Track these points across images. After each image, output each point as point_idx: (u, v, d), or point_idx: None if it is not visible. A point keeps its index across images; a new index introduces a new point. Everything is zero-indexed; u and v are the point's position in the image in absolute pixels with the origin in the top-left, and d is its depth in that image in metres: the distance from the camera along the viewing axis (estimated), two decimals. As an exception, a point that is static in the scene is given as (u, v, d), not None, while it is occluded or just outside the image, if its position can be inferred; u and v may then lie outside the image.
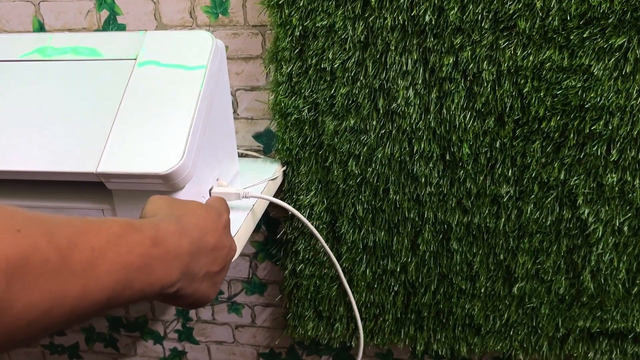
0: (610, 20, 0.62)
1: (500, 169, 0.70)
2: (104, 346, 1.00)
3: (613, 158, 0.67)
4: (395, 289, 0.80)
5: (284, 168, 0.76)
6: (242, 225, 0.62)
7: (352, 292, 0.81)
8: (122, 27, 0.76)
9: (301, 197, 0.77)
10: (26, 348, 1.04)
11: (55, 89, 0.60)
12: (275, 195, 0.71)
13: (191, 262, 0.42)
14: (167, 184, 0.54)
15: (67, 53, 0.63)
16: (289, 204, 0.77)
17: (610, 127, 0.66)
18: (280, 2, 0.67)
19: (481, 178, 0.71)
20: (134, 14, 0.75)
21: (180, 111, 0.56)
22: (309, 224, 0.69)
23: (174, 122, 0.55)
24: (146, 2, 0.74)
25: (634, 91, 0.64)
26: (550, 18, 0.63)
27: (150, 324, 0.96)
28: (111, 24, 0.76)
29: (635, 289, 0.74)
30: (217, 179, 0.65)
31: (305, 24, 0.68)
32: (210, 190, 0.63)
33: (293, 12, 0.67)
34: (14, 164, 0.55)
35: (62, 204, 0.58)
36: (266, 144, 0.80)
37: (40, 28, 0.78)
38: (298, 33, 0.68)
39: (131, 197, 0.56)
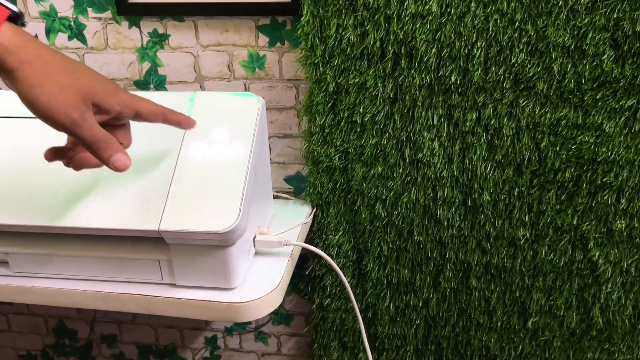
0: (621, 84, 0.67)
1: (517, 215, 0.75)
2: (133, 372, 1.04)
3: (622, 206, 0.73)
4: (417, 322, 0.85)
5: (314, 210, 0.81)
6: (284, 272, 0.67)
7: (377, 325, 0.85)
8: (162, 79, 0.80)
9: (330, 236, 0.82)
10: (56, 373, 1.08)
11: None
12: (305, 234, 0.76)
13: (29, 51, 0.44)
14: (222, 239, 0.58)
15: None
16: (317, 242, 0.82)
17: (620, 179, 0.71)
18: (316, 61, 0.72)
19: (500, 222, 0.76)
20: (174, 66, 0.79)
21: (233, 171, 0.61)
22: (338, 269, 0.74)
23: (228, 182, 0.60)
24: (186, 55, 0.78)
25: (642, 147, 0.70)
26: (566, 80, 0.68)
27: (179, 351, 1.00)
28: (152, 75, 0.80)
29: (641, 324, 0.79)
30: (259, 226, 0.69)
31: (338, 81, 0.73)
32: (254, 238, 0.67)
33: (328, 70, 0.72)
34: (85, 221, 0.59)
35: (123, 254, 0.62)
36: (296, 187, 0.85)
37: (84, 77, 0.82)
38: (332, 89, 0.73)
39: (187, 250, 0.60)
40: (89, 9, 0.78)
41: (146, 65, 0.80)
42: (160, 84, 0.81)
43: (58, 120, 0.46)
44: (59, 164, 0.54)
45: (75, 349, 1.04)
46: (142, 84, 0.81)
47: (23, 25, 0.48)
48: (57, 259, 0.64)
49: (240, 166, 0.61)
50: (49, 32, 0.80)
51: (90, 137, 0.47)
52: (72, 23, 0.79)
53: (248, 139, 0.63)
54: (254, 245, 0.67)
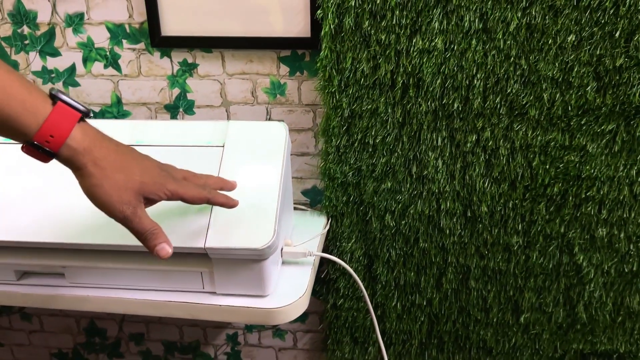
0: (602, 111, 0.76)
1: (511, 224, 0.84)
2: (158, 367, 1.12)
3: (603, 216, 0.82)
4: (421, 319, 0.94)
5: (330, 220, 0.89)
6: (309, 280, 0.75)
7: (385, 322, 0.94)
8: (191, 103, 0.88)
9: (343, 244, 0.90)
10: (85, 368, 1.16)
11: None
12: (323, 243, 0.84)
13: (95, 148, 0.51)
14: (260, 254, 0.66)
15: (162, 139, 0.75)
16: (332, 249, 0.90)
17: (601, 193, 0.80)
18: (333, 90, 0.80)
19: (496, 230, 0.85)
20: (202, 92, 0.87)
21: (267, 193, 0.68)
22: (354, 274, 0.82)
23: (263, 202, 0.68)
24: (213, 82, 0.86)
25: (620, 165, 0.79)
26: (555, 108, 0.77)
27: (202, 347, 1.08)
28: (181, 99, 0.88)
29: (620, 319, 0.89)
30: (285, 238, 0.77)
31: (353, 107, 0.81)
32: (282, 250, 0.75)
33: (343, 98, 0.80)
34: (134, 239, 0.67)
35: (169, 267, 0.70)
36: (312, 199, 0.93)
37: (118, 102, 0.89)
38: (347, 114, 0.81)
39: (227, 263, 0.68)
40: (124, 41, 0.85)
41: (176, 91, 0.87)
42: (189, 108, 0.88)
43: (113, 214, 0.54)
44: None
45: (104, 347, 1.12)
46: (172, 108, 0.88)
47: (90, 117, 0.54)
48: (110, 272, 0.71)
49: (273, 188, 0.69)
50: (85, 60, 0.87)
51: (139, 229, 0.55)
52: (107, 53, 0.86)
53: (278, 163, 0.71)
54: (282, 256, 0.75)
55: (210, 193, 0.61)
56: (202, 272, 0.70)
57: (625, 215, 0.81)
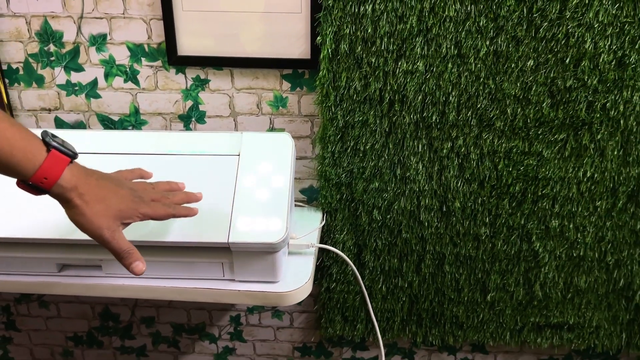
0: (555, 123, 0.90)
1: (480, 217, 0.98)
2: (167, 346, 1.23)
3: (556, 210, 0.96)
4: (403, 299, 1.07)
5: (325, 215, 1.01)
6: (312, 267, 0.87)
7: (372, 302, 1.07)
8: (202, 113, 0.98)
9: (336, 235, 1.02)
10: (98, 349, 1.25)
11: (183, 178, 0.81)
12: (320, 234, 0.96)
13: (83, 184, 0.62)
14: (273, 247, 0.78)
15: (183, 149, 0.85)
16: (327, 240, 1.02)
17: (554, 191, 0.94)
18: (329, 105, 0.91)
19: (467, 223, 0.98)
20: (213, 104, 0.97)
21: (279, 194, 0.80)
22: (351, 263, 0.95)
23: (275, 203, 0.79)
24: (223, 96, 0.96)
25: (570, 168, 0.93)
26: (517, 120, 0.90)
27: (208, 328, 1.19)
28: (194, 110, 0.98)
29: (569, 295, 1.03)
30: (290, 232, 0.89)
31: (346, 119, 0.92)
32: (288, 243, 0.87)
33: (338, 111, 0.92)
34: (171, 237, 0.77)
35: (194, 259, 0.80)
36: (309, 197, 1.04)
37: (136, 112, 0.99)
38: (341, 125, 0.93)
39: (245, 254, 0.79)
40: (143, 59, 0.94)
41: (189, 103, 0.97)
42: (201, 118, 0.98)
43: (95, 237, 0.65)
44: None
45: (117, 330, 1.22)
46: (185, 117, 0.98)
47: (76, 158, 0.64)
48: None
49: (284, 190, 0.80)
50: (107, 75, 0.96)
51: (116, 250, 0.66)
52: (127, 69, 0.95)
53: (287, 169, 0.82)
54: (288, 248, 0.87)
55: (174, 209, 0.71)
56: (223, 263, 0.81)
57: (573, 209, 0.96)
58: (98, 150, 0.86)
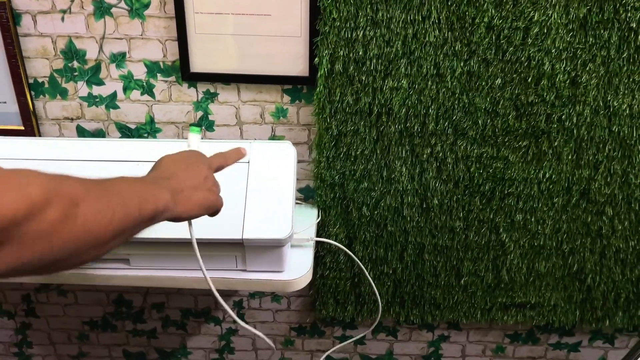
0: (519, 132, 1.03)
1: (455, 212, 1.11)
2: (175, 329, 1.34)
3: (520, 206, 1.10)
4: (388, 284, 1.20)
5: (320, 211, 1.13)
6: (312, 258, 0.99)
7: (361, 287, 1.20)
8: (212, 122, 1.09)
9: (330, 229, 1.15)
10: (111, 332, 1.36)
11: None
12: (316, 228, 1.08)
13: (172, 198, 0.65)
14: (281, 242, 0.90)
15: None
16: (321, 233, 1.14)
17: (518, 190, 1.08)
18: (325, 116, 1.03)
19: (444, 217, 1.12)
20: (221, 114, 1.08)
21: (284, 195, 0.92)
22: (349, 251, 1.08)
23: (282, 203, 0.91)
24: (230, 107, 1.07)
25: (531, 170, 1.06)
26: (487, 129, 1.03)
27: (213, 312, 1.31)
28: (204, 120, 1.09)
29: (531, 279, 1.18)
30: (291, 228, 1.01)
31: (340, 128, 1.04)
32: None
33: (333, 122, 1.03)
34: (182, 233, 0.88)
35: (211, 252, 0.92)
36: (306, 195, 1.16)
37: (151, 121, 1.09)
38: (335, 133, 1.05)
39: (256, 248, 0.91)
40: (159, 75, 1.04)
41: (199, 114, 1.08)
42: (210, 126, 1.09)
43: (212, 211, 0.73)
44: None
45: (130, 315, 1.33)
46: (195, 126, 1.09)
47: None
48: (165, 257, 0.93)
49: (289, 192, 0.92)
50: (125, 89, 1.06)
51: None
52: (144, 84, 1.06)
53: (291, 172, 0.94)
54: (291, 241, 0.99)
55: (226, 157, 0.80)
56: (237, 255, 0.93)
57: (534, 205, 1.10)
58: (120, 158, 0.96)
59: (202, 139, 1.06)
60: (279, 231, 0.89)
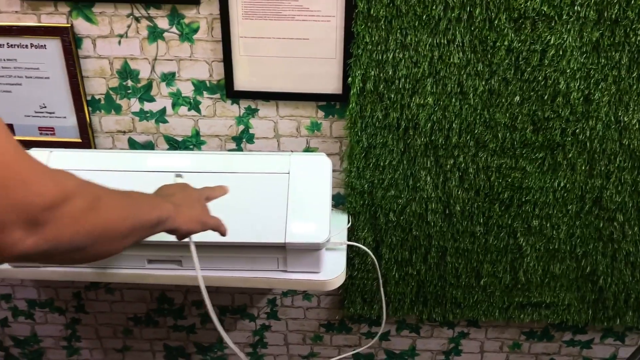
0: (536, 144, 1.11)
1: (476, 218, 1.19)
2: (213, 325, 1.44)
3: (536, 213, 1.18)
4: (412, 284, 1.28)
5: (350, 217, 1.22)
6: (345, 261, 1.08)
7: (387, 287, 1.29)
8: (252, 135, 1.18)
9: (359, 233, 1.23)
10: (154, 327, 1.46)
11: (242, 190, 1.02)
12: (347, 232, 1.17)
13: (174, 212, 0.76)
14: (319, 246, 0.98)
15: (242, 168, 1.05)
16: (351, 237, 1.23)
17: (534, 197, 1.16)
18: (356, 130, 1.11)
19: (465, 223, 1.20)
20: (260, 128, 1.17)
21: (322, 202, 1.00)
22: (372, 255, 1.16)
23: (320, 209, 1.00)
24: (269, 122, 1.16)
25: (547, 179, 1.14)
26: (506, 142, 1.11)
27: (248, 309, 1.40)
28: (245, 133, 1.18)
29: (546, 280, 1.26)
30: (326, 232, 1.09)
31: (369, 141, 1.13)
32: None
33: (363, 135, 1.12)
34: (242, 237, 0.97)
35: (256, 255, 1.01)
36: (336, 201, 1.25)
37: (197, 134, 1.18)
38: (365, 146, 1.13)
39: (297, 251, 1.00)
40: (205, 92, 1.14)
41: (241, 127, 1.17)
42: (250, 139, 1.18)
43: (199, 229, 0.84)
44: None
45: (171, 311, 1.43)
46: (237, 138, 1.18)
47: None
48: (215, 259, 1.02)
49: (326, 200, 1.01)
50: (174, 105, 1.16)
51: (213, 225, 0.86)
52: (191, 100, 1.15)
53: (327, 182, 1.03)
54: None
55: (213, 222, 0.88)
56: (278, 258, 1.02)
57: (550, 212, 1.18)
58: (168, 169, 1.05)
59: (243, 148, 1.15)
60: (317, 236, 0.97)
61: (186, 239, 0.85)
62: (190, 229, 0.81)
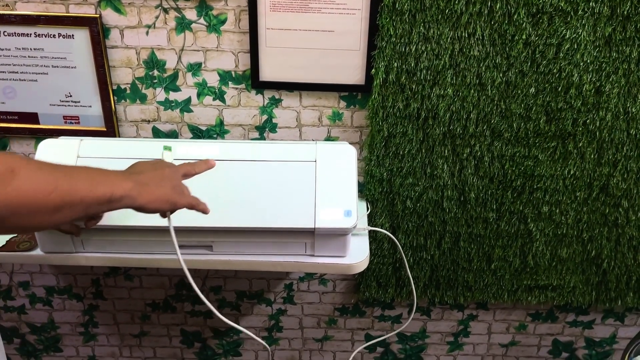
0: (549, 134, 1.15)
1: (489, 205, 1.23)
2: (230, 310, 1.46)
3: (546, 199, 1.22)
4: (426, 268, 1.32)
5: (369, 204, 1.25)
6: (367, 245, 1.11)
7: (402, 271, 1.33)
8: (275, 125, 1.20)
9: (377, 219, 1.27)
10: (171, 313, 1.48)
11: (270, 177, 1.04)
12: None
13: (137, 187, 0.75)
14: (347, 231, 1.01)
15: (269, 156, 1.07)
16: (369, 223, 1.26)
17: (545, 185, 1.20)
18: (378, 119, 1.14)
19: (479, 209, 1.24)
20: (283, 117, 1.19)
21: (348, 190, 1.03)
22: (396, 241, 1.20)
23: (347, 196, 1.02)
24: (292, 111, 1.18)
25: (558, 167, 1.19)
26: (520, 132, 1.15)
27: (265, 294, 1.43)
28: (268, 123, 1.20)
29: (554, 264, 1.31)
30: (348, 218, 1.13)
31: (390, 130, 1.16)
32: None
33: (384, 124, 1.15)
34: (267, 223, 1.00)
35: (285, 239, 1.04)
36: (355, 189, 1.28)
37: (221, 123, 1.20)
38: (385, 135, 1.16)
39: (325, 236, 1.03)
40: (230, 82, 1.16)
41: (264, 117, 1.19)
42: (273, 128, 1.21)
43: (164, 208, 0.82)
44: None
45: (189, 297, 1.45)
46: (260, 128, 1.21)
47: None
48: (244, 244, 1.05)
49: (353, 187, 1.04)
50: (199, 95, 1.17)
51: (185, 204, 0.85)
52: (216, 90, 1.17)
53: (353, 170, 1.05)
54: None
55: (190, 200, 0.87)
56: (307, 242, 1.05)
57: (559, 199, 1.22)
58: (191, 157, 1.07)
59: (265, 137, 1.17)
60: (346, 221, 1.00)
61: (165, 220, 0.85)
62: (157, 207, 0.79)
